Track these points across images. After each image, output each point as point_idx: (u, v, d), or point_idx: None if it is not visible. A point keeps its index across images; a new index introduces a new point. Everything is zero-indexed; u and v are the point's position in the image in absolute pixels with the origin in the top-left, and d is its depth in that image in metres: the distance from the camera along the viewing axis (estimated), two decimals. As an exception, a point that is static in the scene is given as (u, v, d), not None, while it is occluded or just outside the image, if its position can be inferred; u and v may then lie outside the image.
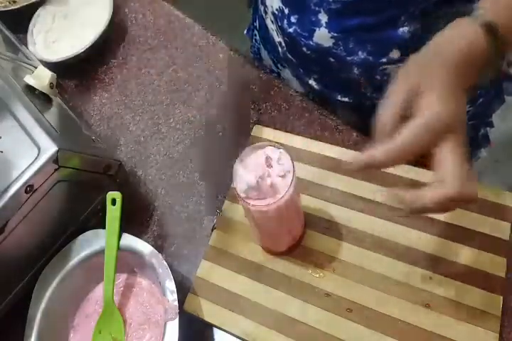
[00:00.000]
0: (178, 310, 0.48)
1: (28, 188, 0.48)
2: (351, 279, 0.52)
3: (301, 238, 0.55)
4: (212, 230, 0.58)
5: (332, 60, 0.59)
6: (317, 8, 0.55)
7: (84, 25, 0.75)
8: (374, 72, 0.58)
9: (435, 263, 0.51)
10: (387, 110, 0.39)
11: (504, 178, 1.43)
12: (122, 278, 0.57)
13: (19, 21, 0.75)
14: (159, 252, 0.52)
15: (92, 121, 0.72)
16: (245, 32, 0.86)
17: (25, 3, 0.76)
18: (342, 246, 0.54)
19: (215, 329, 0.54)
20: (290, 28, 0.60)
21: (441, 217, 0.53)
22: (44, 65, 0.63)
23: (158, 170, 0.66)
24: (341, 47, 0.57)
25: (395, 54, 0.55)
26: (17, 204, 0.48)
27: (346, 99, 0.66)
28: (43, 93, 0.59)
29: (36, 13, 0.77)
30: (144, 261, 0.52)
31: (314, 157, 0.59)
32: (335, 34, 0.56)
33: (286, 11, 0.59)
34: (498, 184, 1.42)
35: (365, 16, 0.53)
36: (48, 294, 0.53)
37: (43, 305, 0.52)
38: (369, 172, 0.39)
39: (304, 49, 0.60)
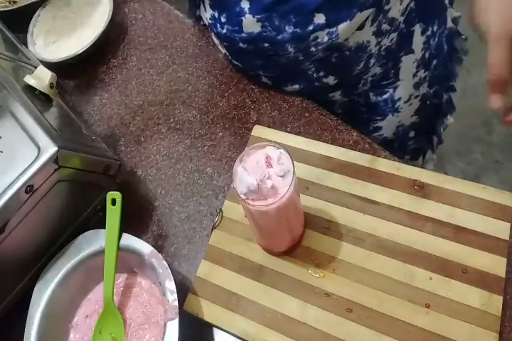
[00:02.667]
0: (178, 310, 0.48)
1: (28, 188, 0.48)
2: (351, 279, 0.52)
3: (301, 238, 0.55)
4: (212, 230, 0.58)
5: (266, 44, 0.58)
6: None
7: (84, 25, 0.75)
8: (307, 44, 0.57)
9: (435, 263, 0.51)
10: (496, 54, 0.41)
11: (504, 178, 1.43)
12: (122, 278, 0.57)
13: (19, 21, 0.76)
14: (159, 252, 0.52)
15: (92, 121, 0.72)
16: None
17: (25, 3, 0.76)
18: (342, 246, 0.54)
19: (215, 329, 0.54)
20: (223, 29, 0.60)
21: (441, 217, 0.53)
22: (44, 65, 0.63)
23: (158, 170, 0.66)
24: (269, 28, 0.56)
25: (318, 18, 0.54)
26: (17, 204, 0.48)
27: (297, 87, 0.65)
28: (43, 93, 0.59)
29: (36, 13, 0.77)
30: (144, 261, 0.52)
31: (314, 157, 0.59)
32: (259, 16, 0.55)
33: (216, 14, 0.59)
34: (498, 184, 1.42)
35: None
36: (47, 294, 0.53)
37: (43, 305, 0.52)
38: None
39: (241, 44, 0.60)
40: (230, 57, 0.66)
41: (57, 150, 0.48)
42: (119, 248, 0.52)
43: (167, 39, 0.76)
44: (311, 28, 0.55)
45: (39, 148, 0.49)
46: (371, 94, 0.67)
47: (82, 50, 0.71)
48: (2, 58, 0.62)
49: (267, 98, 0.67)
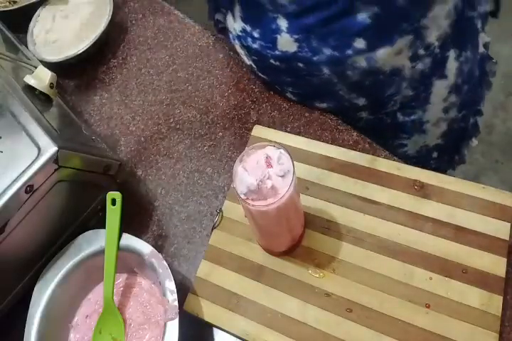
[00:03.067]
0: (178, 310, 0.48)
1: (28, 188, 0.48)
2: (351, 279, 0.52)
3: (301, 238, 0.55)
4: (212, 230, 0.58)
5: (300, 65, 0.57)
6: (275, 15, 0.54)
7: (84, 25, 0.75)
8: (344, 67, 0.56)
9: (435, 263, 0.51)
10: None
11: (504, 178, 1.43)
12: (122, 278, 0.57)
13: (19, 21, 0.76)
14: (159, 252, 0.52)
15: (92, 121, 0.72)
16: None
17: (25, 3, 0.76)
18: (342, 246, 0.54)
19: (215, 329, 0.54)
20: (254, 43, 0.58)
21: (441, 217, 0.53)
22: (44, 65, 0.63)
23: (158, 170, 0.66)
24: (306, 49, 0.55)
25: (359, 43, 0.53)
26: (17, 204, 0.48)
27: (325, 105, 0.64)
28: (43, 93, 0.59)
29: (36, 13, 0.77)
30: (144, 261, 0.52)
31: (314, 157, 0.59)
32: (296, 36, 0.54)
33: (248, 28, 0.58)
34: (498, 184, 1.42)
35: (321, 11, 0.52)
36: (48, 294, 0.53)
37: (43, 305, 0.52)
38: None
39: (272, 61, 0.59)
40: (255, 69, 0.65)
41: (57, 150, 0.48)
42: (119, 248, 0.52)
43: (167, 39, 0.76)
44: (350, 52, 0.54)
45: (39, 148, 0.49)
46: (399, 113, 0.65)
47: (82, 50, 0.71)
48: (2, 58, 0.62)
49: (267, 98, 0.67)
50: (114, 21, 0.76)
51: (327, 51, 0.55)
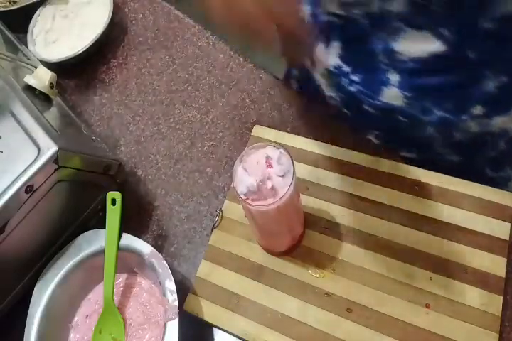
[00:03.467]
0: (178, 310, 0.48)
1: (28, 188, 0.48)
2: (351, 279, 0.52)
3: (301, 238, 0.55)
4: (212, 230, 0.58)
5: (402, 118, 0.54)
6: (386, 67, 0.50)
7: (84, 25, 0.75)
8: (452, 129, 0.53)
9: (435, 263, 0.51)
10: None
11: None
12: (122, 278, 0.57)
13: (19, 21, 0.75)
14: (159, 252, 0.52)
15: (92, 121, 0.72)
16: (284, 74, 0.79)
17: (25, 3, 0.76)
18: (342, 246, 0.54)
19: (215, 329, 0.54)
20: (351, 86, 0.55)
21: (441, 217, 0.53)
22: (44, 65, 0.63)
23: (158, 170, 0.66)
24: (415, 107, 0.52)
25: (477, 110, 0.50)
26: (17, 204, 0.48)
27: (410, 155, 0.60)
28: (43, 93, 0.59)
29: (36, 13, 0.77)
30: (144, 261, 0.52)
31: (314, 157, 0.59)
32: (408, 93, 0.51)
33: (347, 69, 0.54)
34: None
35: (446, 75, 0.48)
36: (48, 294, 0.53)
37: (43, 305, 0.52)
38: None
39: (366, 107, 0.56)
40: (337, 102, 0.62)
41: (57, 150, 0.48)
42: (119, 248, 0.52)
43: (167, 39, 0.76)
44: (464, 117, 0.51)
45: (39, 148, 0.49)
46: (488, 169, 0.61)
47: (82, 50, 0.71)
48: (2, 58, 0.62)
49: (267, 98, 0.67)
50: (114, 21, 0.76)
51: (439, 112, 0.52)
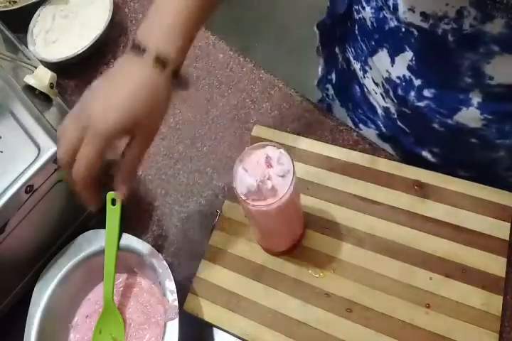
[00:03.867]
0: (178, 310, 0.48)
1: (28, 188, 0.48)
2: (351, 279, 0.52)
3: (301, 238, 0.55)
4: (212, 230, 0.58)
5: (473, 140, 0.52)
6: (470, 87, 0.47)
7: (84, 25, 0.75)
8: None
9: (435, 263, 0.51)
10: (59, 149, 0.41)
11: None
12: (122, 278, 0.57)
13: (19, 21, 0.75)
14: (159, 252, 0.52)
15: (92, 121, 0.71)
16: (315, 83, 0.77)
17: (25, 3, 0.76)
18: (342, 246, 0.54)
19: (215, 329, 0.54)
20: (420, 101, 0.51)
21: (441, 217, 0.53)
22: (44, 65, 0.63)
23: (158, 170, 0.66)
24: (493, 130, 0.49)
25: None
26: (17, 204, 0.48)
27: (469, 175, 0.57)
28: (43, 93, 0.59)
29: (36, 13, 0.77)
30: (144, 261, 0.52)
31: (314, 157, 0.59)
32: (488, 116, 0.48)
33: (417, 82, 0.51)
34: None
35: None
36: (48, 294, 0.53)
37: (43, 305, 0.52)
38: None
39: (435, 125, 0.53)
40: (392, 115, 0.59)
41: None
42: (119, 248, 0.52)
43: (167, 39, 0.76)
44: None
45: (39, 148, 0.49)
46: None
47: (82, 50, 0.71)
48: (2, 58, 0.62)
49: (267, 98, 0.67)
50: (114, 21, 0.76)
51: None
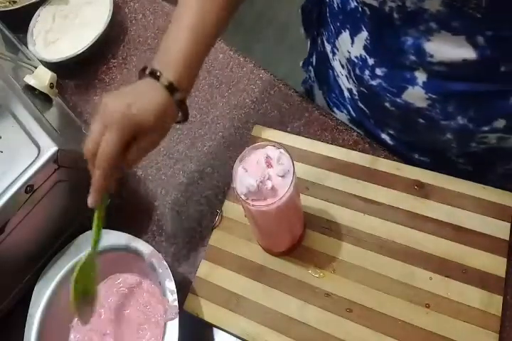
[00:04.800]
0: (178, 310, 0.48)
1: (28, 188, 0.48)
2: (351, 279, 0.52)
3: (301, 238, 0.55)
4: (212, 230, 0.58)
5: (421, 120, 0.53)
6: (414, 66, 0.48)
7: (84, 25, 0.75)
8: (470, 139, 0.53)
9: (435, 263, 0.51)
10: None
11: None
12: (122, 278, 0.57)
13: (19, 21, 0.76)
14: (159, 252, 0.52)
15: (92, 121, 0.71)
16: (301, 65, 0.79)
17: (25, 3, 0.76)
18: (342, 246, 0.54)
19: (215, 329, 0.54)
20: (373, 80, 0.53)
21: (441, 217, 0.53)
22: (44, 65, 0.63)
23: (158, 170, 0.66)
24: (437, 110, 0.50)
25: (499, 123, 0.49)
26: (17, 204, 0.48)
27: (424, 159, 0.60)
28: (43, 93, 0.59)
29: (36, 13, 0.77)
30: (144, 261, 0.52)
31: (314, 157, 0.59)
32: (433, 96, 0.49)
33: (371, 61, 0.52)
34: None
35: (473, 83, 0.47)
36: (48, 294, 0.53)
37: (43, 305, 0.52)
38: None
39: (387, 104, 0.54)
40: (355, 96, 0.60)
41: (57, 150, 0.49)
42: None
43: (167, 39, 0.76)
44: (486, 128, 0.50)
45: (39, 148, 0.49)
46: (500, 183, 0.58)
47: (82, 50, 0.71)
48: (2, 58, 0.62)
49: (267, 98, 0.67)
50: (114, 21, 0.76)
51: (461, 120, 0.50)
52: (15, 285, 0.55)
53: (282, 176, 0.43)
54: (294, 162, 0.43)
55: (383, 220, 0.54)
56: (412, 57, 0.48)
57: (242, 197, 0.43)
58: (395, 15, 0.46)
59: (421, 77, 0.49)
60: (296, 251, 0.54)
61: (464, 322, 0.48)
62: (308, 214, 0.56)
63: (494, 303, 0.48)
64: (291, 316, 0.51)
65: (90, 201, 0.43)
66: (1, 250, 0.49)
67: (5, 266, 0.52)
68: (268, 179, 0.43)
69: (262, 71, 0.69)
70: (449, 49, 0.45)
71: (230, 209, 0.58)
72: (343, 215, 0.55)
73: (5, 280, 0.54)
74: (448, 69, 0.46)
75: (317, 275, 0.53)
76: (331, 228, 0.55)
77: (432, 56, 0.46)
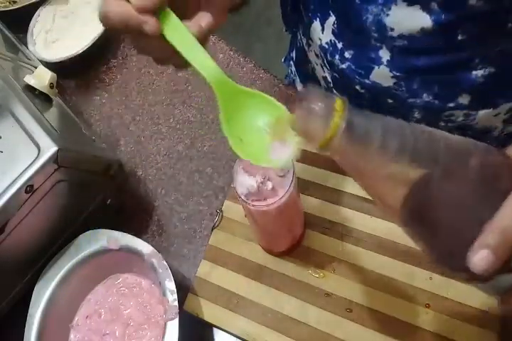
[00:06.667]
0: (178, 310, 0.48)
1: (28, 188, 0.48)
2: (351, 279, 0.52)
3: (301, 238, 0.55)
4: (212, 230, 0.58)
5: (390, 100, 0.54)
6: (378, 44, 0.49)
7: (84, 25, 0.75)
8: (438, 117, 0.53)
9: (435, 263, 0.51)
10: None
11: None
12: (122, 278, 0.57)
13: (19, 21, 0.75)
14: (159, 252, 0.52)
15: (92, 121, 0.72)
16: (282, 60, 0.80)
17: (25, 3, 0.76)
18: (342, 246, 0.54)
19: (215, 329, 0.54)
20: (343, 63, 0.54)
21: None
22: (44, 65, 0.63)
23: (158, 170, 0.66)
24: (403, 88, 0.51)
25: (464, 99, 0.50)
26: (17, 204, 0.48)
27: None
28: (43, 93, 0.59)
29: (36, 13, 0.77)
30: (144, 261, 0.52)
31: (314, 157, 0.59)
32: (397, 74, 0.50)
33: (340, 45, 0.53)
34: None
35: (434, 56, 0.47)
36: (48, 294, 0.53)
37: (42, 305, 0.52)
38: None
39: (357, 87, 0.55)
40: (330, 83, 0.60)
41: (57, 150, 0.48)
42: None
43: (167, 39, 0.76)
44: (451, 105, 0.51)
45: (39, 148, 0.49)
46: None
47: (82, 50, 0.71)
48: (2, 58, 0.62)
49: (267, 98, 0.67)
50: (114, 21, 0.76)
51: (426, 97, 0.51)
52: (15, 285, 0.55)
53: (282, 176, 0.43)
54: (294, 162, 0.43)
55: (383, 220, 0.54)
56: (375, 35, 0.49)
57: (242, 197, 0.43)
58: None
59: (385, 55, 0.50)
60: (296, 251, 0.54)
61: (464, 322, 0.48)
62: (308, 214, 0.56)
63: (494, 303, 0.48)
64: (291, 316, 0.51)
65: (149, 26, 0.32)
66: (1, 250, 0.49)
67: (5, 266, 0.52)
68: (268, 179, 0.43)
69: (262, 71, 0.69)
70: (406, 20, 0.45)
71: (230, 209, 0.58)
72: (343, 215, 0.55)
73: (5, 280, 0.54)
74: (408, 43, 0.47)
75: (317, 275, 0.53)
76: (331, 228, 0.55)
77: (392, 30, 0.47)
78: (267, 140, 0.35)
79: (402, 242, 0.52)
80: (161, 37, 0.33)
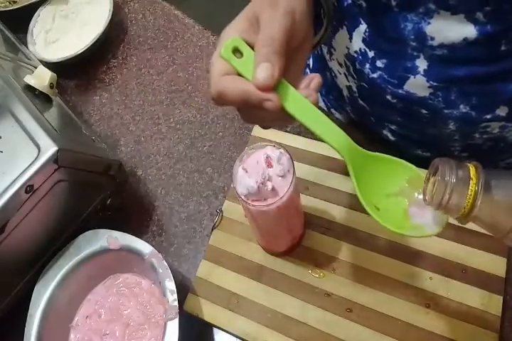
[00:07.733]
0: (178, 310, 0.48)
1: (28, 188, 0.48)
2: (351, 279, 0.52)
3: (301, 238, 0.55)
4: (212, 230, 0.58)
5: (424, 111, 0.52)
6: (415, 53, 0.47)
7: (84, 25, 0.75)
8: (474, 128, 0.51)
9: (435, 263, 0.51)
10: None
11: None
12: (122, 278, 0.57)
13: (19, 21, 0.76)
14: (159, 252, 0.52)
15: (92, 121, 0.72)
16: None
17: (25, 3, 0.76)
18: (342, 246, 0.54)
19: (215, 329, 0.54)
20: (374, 73, 0.52)
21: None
22: (44, 65, 0.63)
23: (158, 170, 0.66)
24: (439, 99, 0.49)
25: (502, 111, 0.48)
26: (17, 204, 0.48)
27: (426, 154, 0.59)
28: (43, 93, 0.59)
29: (36, 13, 0.77)
30: (144, 261, 0.52)
31: (314, 157, 0.59)
32: (434, 83, 0.48)
33: (371, 54, 0.51)
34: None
35: (474, 66, 0.46)
36: (48, 294, 0.53)
37: (42, 305, 0.52)
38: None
39: (389, 97, 0.53)
40: (354, 93, 0.59)
41: (57, 150, 0.48)
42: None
43: (167, 39, 0.76)
44: (488, 116, 0.49)
45: (39, 148, 0.49)
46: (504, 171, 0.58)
47: (82, 50, 0.71)
48: (2, 58, 0.62)
49: (267, 98, 0.67)
50: (114, 21, 0.76)
51: (463, 108, 0.49)
52: (15, 285, 0.55)
53: (282, 176, 0.43)
54: (294, 162, 0.43)
55: (383, 220, 0.54)
56: (413, 44, 0.47)
57: (242, 197, 0.43)
58: (393, 3, 0.46)
59: (422, 65, 0.48)
60: (296, 251, 0.54)
61: (464, 322, 0.48)
62: (308, 214, 0.56)
63: (494, 303, 0.48)
64: (291, 316, 0.51)
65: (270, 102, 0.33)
66: (1, 250, 0.49)
67: (5, 266, 0.52)
68: (268, 180, 0.43)
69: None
70: (449, 29, 0.44)
71: (230, 209, 0.58)
72: (343, 215, 0.55)
73: (5, 280, 0.54)
74: (449, 52, 0.46)
75: (317, 275, 0.53)
76: (331, 228, 0.55)
77: (433, 39, 0.45)
78: (403, 205, 0.36)
79: (403, 242, 0.52)
80: (281, 109, 0.34)
